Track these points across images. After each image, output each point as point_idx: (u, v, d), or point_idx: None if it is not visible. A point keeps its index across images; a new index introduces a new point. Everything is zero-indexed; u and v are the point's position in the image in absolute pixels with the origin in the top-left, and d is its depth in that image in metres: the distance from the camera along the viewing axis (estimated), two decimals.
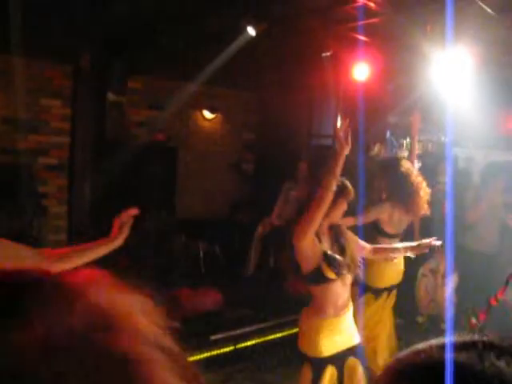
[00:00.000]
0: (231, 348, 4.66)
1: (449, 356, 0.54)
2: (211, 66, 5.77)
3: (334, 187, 2.68)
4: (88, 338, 0.38)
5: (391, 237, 4.14)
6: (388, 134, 7.08)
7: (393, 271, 4.15)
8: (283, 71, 6.51)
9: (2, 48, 4.72)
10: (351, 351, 2.91)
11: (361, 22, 4.63)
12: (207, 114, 7.74)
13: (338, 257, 2.79)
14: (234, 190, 7.91)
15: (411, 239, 5.20)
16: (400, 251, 3.38)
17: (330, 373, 2.81)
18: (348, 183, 2.89)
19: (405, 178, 4.10)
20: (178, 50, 5.58)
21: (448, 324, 3.64)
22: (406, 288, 4.68)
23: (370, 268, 3.86)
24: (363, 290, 3.98)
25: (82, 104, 5.98)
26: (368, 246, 3.18)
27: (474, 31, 4.31)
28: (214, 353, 4.61)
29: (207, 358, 4.53)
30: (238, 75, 6.71)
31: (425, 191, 4.09)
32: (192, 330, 4.83)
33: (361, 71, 5.76)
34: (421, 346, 0.63)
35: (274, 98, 7.56)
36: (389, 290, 4.19)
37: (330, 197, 2.68)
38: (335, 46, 5.60)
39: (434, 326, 5.08)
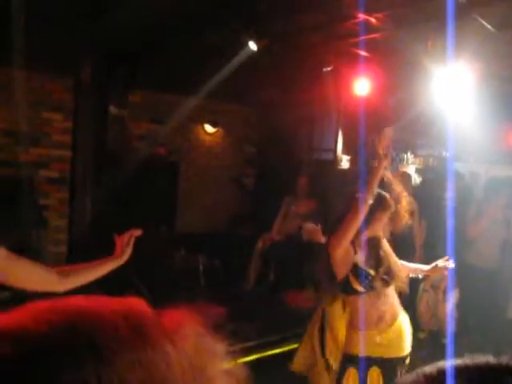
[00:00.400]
0: (231, 363, 4.61)
1: None
2: (212, 80, 5.80)
3: (369, 201, 2.75)
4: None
5: None
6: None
7: None
8: (284, 86, 6.54)
9: (3, 61, 4.75)
10: (400, 359, 2.89)
11: (362, 38, 4.65)
12: (208, 128, 7.75)
13: (368, 270, 2.81)
14: (235, 204, 7.91)
15: (413, 254, 5.19)
16: (417, 271, 3.31)
17: (375, 374, 2.80)
18: (387, 196, 2.91)
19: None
20: (179, 63, 5.62)
21: (449, 340, 3.60)
22: (407, 303, 4.64)
23: None
24: None
25: (83, 117, 5.99)
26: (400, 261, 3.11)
27: (474, 47, 4.34)
28: None
29: None
30: (240, 90, 6.74)
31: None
32: None
33: (362, 86, 5.79)
34: (428, 370, 0.61)
35: (275, 113, 7.58)
36: None
37: (365, 210, 2.74)
38: (336, 61, 5.63)
39: (435, 341, 5.04)
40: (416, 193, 5.87)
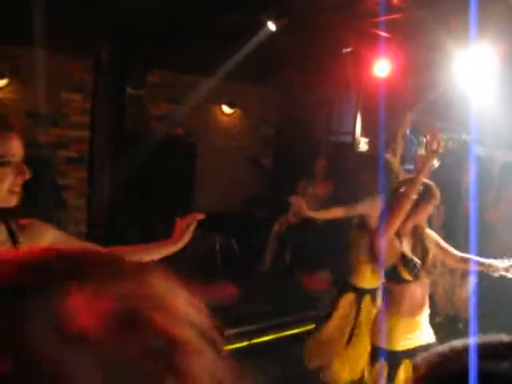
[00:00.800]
0: (246, 343, 4.67)
1: (476, 363, 0.54)
2: (231, 61, 5.77)
3: (414, 195, 2.85)
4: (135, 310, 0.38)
5: None
6: (408, 131, 7.01)
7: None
8: (303, 67, 6.47)
9: (23, 40, 4.77)
10: (425, 348, 2.88)
11: (382, 18, 4.58)
12: (226, 109, 7.74)
13: (415, 259, 2.88)
14: (252, 184, 7.91)
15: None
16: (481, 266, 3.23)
17: (405, 367, 2.88)
18: (434, 186, 2.96)
19: (390, 173, 4.02)
20: (198, 44, 5.59)
21: (469, 324, 3.58)
22: None
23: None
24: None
25: (102, 98, 6.02)
26: (456, 252, 3.13)
27: (498, 27, 4.24)
28: (228, 348, 4.62)
29: None
30: (258, 71, 6.70)
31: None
32: None
33: (382, 68, 5.71)
34: (447, 348, 0.62)
35: (293, 94, 7.53)
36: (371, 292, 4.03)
37: (410, 203, 2.84)
38: (356, 42, 5.56)
39: (451, 326, 5.03)
40: (435, 176, 5.81)
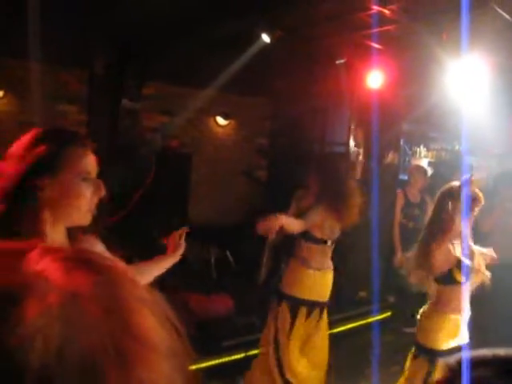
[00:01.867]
0: (242, 355, 4.64)
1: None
2: (225, 72, 5.80)
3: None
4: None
5: (319, 242, 3.91)
6: (402, 141, 7.07)
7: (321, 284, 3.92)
8: (297, 78, 6.52)
9: (19, 53, 4.78)
10: (461, 349, 3.13)
11: (375, 30, 4.62)
12: (220, 121, 7.76)
13: (469, 263, 3.09)
14: (247, 196, 7.92)
15: None
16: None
17: (441, 365, 3.00)
18: (479, 193, 3.09)
19: (338, 178, 3.88)
20: (192, 56, 5.62)
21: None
22: None
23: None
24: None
25: (97, 110, 6.02)
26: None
27: (490, 39, 4.29)
28: (225, 359, 4.60)
29: (217, 365, 4.52)
30: (252, 82, 6.74)
31: (359, 198, 3.84)
32: (203, 336, 4.84)
33: (375, 79, 5.76)
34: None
35: (287, 105, 7.57)
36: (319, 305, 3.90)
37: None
38: (349, 54, 5.61)
39: None
40: (428, 185, 5.85)
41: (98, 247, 1.74)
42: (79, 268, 0.40)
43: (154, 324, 0.41)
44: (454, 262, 3.08)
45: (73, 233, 1.64)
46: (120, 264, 0.45)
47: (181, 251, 2.20)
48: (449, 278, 3.11)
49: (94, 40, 5.23)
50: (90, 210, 1.58)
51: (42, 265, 0.39)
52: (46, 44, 4.19)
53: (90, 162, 1.59)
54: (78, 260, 0.41)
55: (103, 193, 1.60)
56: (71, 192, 1.51)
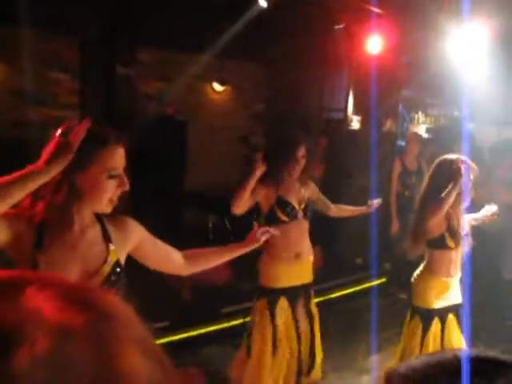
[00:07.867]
0: (240, 321, 4.71)
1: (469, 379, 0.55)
2: (222, 37, 5.69)
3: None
4: None
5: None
6: (400, 107, 7.00)
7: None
8: (295, 44, 6.40)
9: (10, 20, 4.67)
10: (454, 307, 3.33)
11: None
12: (217, 87, 7.66)
13: (460, 229, 3.27)
14: (244, 163, 7.88)
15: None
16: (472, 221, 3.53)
17: (435, 323, 3.28)
18: (472, 163, 3.23)
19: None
20: (188, 21, 5.50)
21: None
22: None
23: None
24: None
25: (91, 77, 5.92)
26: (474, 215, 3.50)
27: (490, 5, 4.20)
28: (224, 325, 4.68)
29: (216, 331, 4.60)
30: (249, 48, 6.62)
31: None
32: (202, 303, 4.90)
33: (374, 44, 5.67)
34: (433, 358, 0.63)
35: (285, 71, 7.46)
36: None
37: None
38: (348, 19, 5.50)
39: None
40: (427, 151, 5.84)
41: (137, 231, 1.95)
42: (73, 306, 0.41)
43: (141, 364, 0.42)
44: (446, 228, 3.24)
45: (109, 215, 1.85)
46: (115, 299, 0.47)
47: (254, 246, 2.27)
48: (440, 243, 3.26)
49: (85, 5, 5.10)
50: (111, 201, 1.77)
51: (37, 302, 0.40)
52: (37, 11, 4.09)
53: (118, 158, 1.77)
54: (73, 297, 0.42)
55: (127, 187, 1.77)
56: (95, 188, 1.73)
